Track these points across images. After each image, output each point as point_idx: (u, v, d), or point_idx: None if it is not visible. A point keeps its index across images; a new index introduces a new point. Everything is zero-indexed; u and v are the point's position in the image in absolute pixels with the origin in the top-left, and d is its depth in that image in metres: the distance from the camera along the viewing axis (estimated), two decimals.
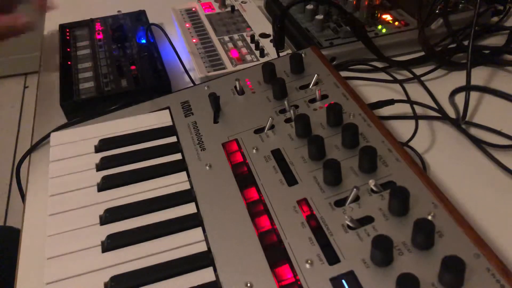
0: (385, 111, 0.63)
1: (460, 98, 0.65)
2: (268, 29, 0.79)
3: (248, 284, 0.40)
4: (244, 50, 0.75)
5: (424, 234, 0.39)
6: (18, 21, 0.64)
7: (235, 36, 0.79)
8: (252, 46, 0.76)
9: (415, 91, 0.68)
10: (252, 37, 0.77)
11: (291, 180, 0.47)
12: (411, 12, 0.79)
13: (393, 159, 0.47)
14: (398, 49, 0.75)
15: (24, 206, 0.54)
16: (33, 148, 0.61)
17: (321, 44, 0.73)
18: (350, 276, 0.39)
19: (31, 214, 0.53)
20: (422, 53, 0.73)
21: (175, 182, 0.50)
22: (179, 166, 0.52)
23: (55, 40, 0.80)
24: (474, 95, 0.67)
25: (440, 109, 0.64)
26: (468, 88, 0.65)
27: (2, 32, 0.64)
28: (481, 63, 0.73)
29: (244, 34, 0.80)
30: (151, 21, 0.84)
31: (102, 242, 0.45)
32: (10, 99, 2.27)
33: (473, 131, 0.62)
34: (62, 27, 0.82)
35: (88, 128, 0.58)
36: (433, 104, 0.65)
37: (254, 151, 0.51)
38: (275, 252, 0.42)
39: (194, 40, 0.79)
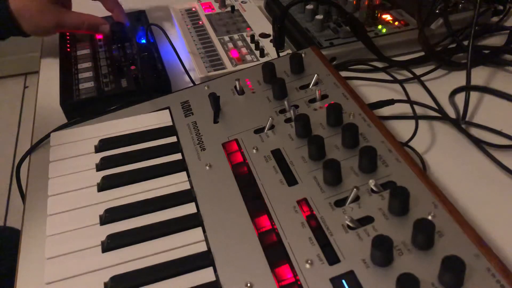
0: (385, 111, 0.63)
1: (460, 98, 0.65)
2: (268, 29, 0.79)
3: (248, 284, 0.40)
4: (244, 50, 0.75)
5: (424, 234, 0.39)
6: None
7: (235, 36, 0.79)
8: (252, 46, 0.76)
9: (415, 91, 0.68)
10: (252, 37, 0.77)
11: (291, 180, 0.47)
12: (411, 12, 0.79)
13: (393, 159, 0.47)
14: (398, 49, 0.75)
15: (24, 206, 0.54)
16: (33, 148, 0.61)
17: (321, 44, 0.73)
18: (350, 276, 0.39)
19: (31, 214, 0.53)
20: (422, 53, 0.73)
21: (175, 182, 0.50)
22: (179, 166, 0.52)
23: (55, 40, 0.80)
24: (474, 95, 0.67)
25: (440, 109, 0.64)
26: (468, 88, 0.65)
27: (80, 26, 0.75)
28: (481, 63, 0.73)
29: (244, 34, 0.80)
30: (151, 21, 0.84)
31: (102, 242, 0.45)
32: (10, 99, 2.27)
33: (473, 131, 0.62)
34: None
35: (88, 128, 0.58)
36: (433, 104, 0.65)
37: (254, 151, 0.51)
38: (275, 252, 0.42)
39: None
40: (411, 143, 0.59)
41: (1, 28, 0.70)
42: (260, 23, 0.83)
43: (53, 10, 0.72)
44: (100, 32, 0.77)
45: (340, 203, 0.44)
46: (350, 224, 0.42)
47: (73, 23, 0.74)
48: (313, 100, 0.56)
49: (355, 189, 0.44)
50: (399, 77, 0.71)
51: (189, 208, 0.48)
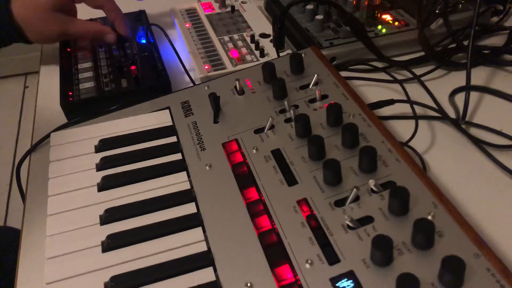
0: (385, 111, 0.63)
1: (460, 98, 0.65)
2: (268, 29, 0.79)
3: (248, 284, 0.40)
4: (244, 50, 0.75)
5: (424, 234, 0.39)
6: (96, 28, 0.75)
7: (235, 36, 0.79)
8: (252, 46, 0.76)
9: (415, 91, 0.68)
10: (252, 37, 0.77)
11: (291, 180, 0.47)
12: (411, 12, 0.79)
13: (393, 159, 0.47)
14: (398, 49, 0.75)
15: (24, 206, 0.54)
16: (33, 148, 0.61)
17: (321, 44, 0.73)
18: (350, 276, 0.39)
19: (31, 214, 0.53)
20: (422, 53, 0.73)
21: (175, 182, 0.50)
22: (179, 166, 0.52)
23: None
24: (474, 95, 0.67)
25: (440, 109, 0.64)
26: (468, 88, 0.65)
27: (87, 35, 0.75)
28: (481, 63, 0.73)
29: (244, 34, 0.80)
30: (151, 21, 0.84)
31: (102, 242, 0.45)
32: (10, 99, 2.27)
33: (473, 131, 0.62)
34: None
35: (88, 128, 0.58)
36: (433, 104, 0.65)
37: (254, 151, 0.51)
38: (275, 252, 0.42)
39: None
40: (411, 143, 0.59)
41: (3, 35, 0.70)
42: (260, 23, 0.83)
43: (57, 19, 0.71)
44: (106, 41, 0.76)
45: (340, 203, 0.44)
46: (350, 224, 0.42)
47: (78, 31, 0.74)
48: (313, 100, 0.56)
49: (355, 189, 0.44)
50: (399, 77, 0.71)
51: (189, 208, 0.48)
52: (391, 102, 0.62)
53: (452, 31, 0.74)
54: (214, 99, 0.57)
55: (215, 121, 0.56)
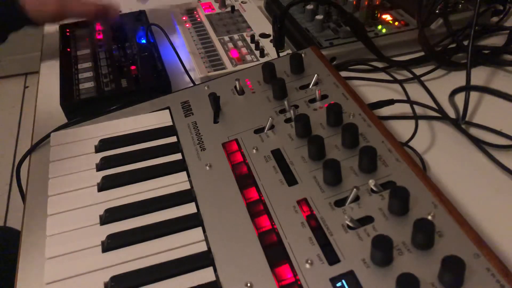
0: (385, 111, 0.63)
1: (460, 98, 0.66)
2: (268, 29, 0.79)
3: (248, 284, 0.40)
4: (244, 50, 0.75)
5: (424, 234, 0.39)
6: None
7: (235, 36, 0.79)
8: (252, 46, 0.76)
9: (415, 91, 0.68)
10: (252, 37, 0.77)
11: (291, 180, 0.47)
12: (411, 12, 0.79)
13: (393, 159, 0.47)
14: (398, 49, 0.75)
15: (24, 206, 0.54)
16: (33, 148, 0.61)
17: (321, 44, 0.73)
18: (350, 276, 0.39)
19: (31, 214, 0.53)
20: (422, 53, 0.73)
21: (175, 182, 0.50)
22: (179, 166, 0.52)
23: (55, 40, 0.80)
24: (474, 95, 0.67)
25: (440, 109, 0.64)
26: (468, 88, 0.65)
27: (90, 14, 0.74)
28: (481, 63, 0.73)
29: (244, 34, 0.80)
30: (151, 21, 0.84)
31: (102, 242, 0.45)
32: (10, 99, 2.27)
33: (473, 131, 0.62)
34: (62, 27, 0.82)
35: (88, 128, 0.58)
36: (433, 104, 0.65)
37: (254, 151, 0.51)
38: (275, 252, 0.42)
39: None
40: (411, 143, 0.59)
41: (12, 20, 0.70)
42: (260, 23, 0.83)
43: None
44: (109, 18, 0.75)
45: (340, 203, 0.44)
46: (350, 224, 0.42)
47: (77, 10, 0.73)
48: (313, 100, 0.56)
49: (355, 189, 0.44)
50: (399, 77, 0.71)
51: (189, 208, 0.48)
52: (391, 102, 0.62)
53: (452, 31, 0.74)
54: (214, 99, 0.57)
55: (215, 121, 0.56)
